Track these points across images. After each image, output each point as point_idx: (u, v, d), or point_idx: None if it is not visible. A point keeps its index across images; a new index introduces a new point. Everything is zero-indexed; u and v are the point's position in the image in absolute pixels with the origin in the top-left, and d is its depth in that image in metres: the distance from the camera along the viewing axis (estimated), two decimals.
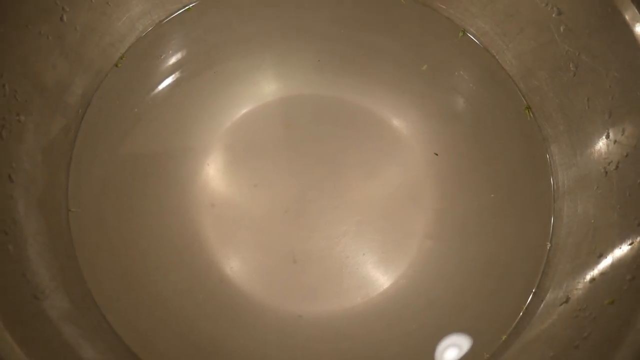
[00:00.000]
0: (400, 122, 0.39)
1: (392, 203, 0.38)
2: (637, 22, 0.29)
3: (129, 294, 0.33)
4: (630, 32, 0.30)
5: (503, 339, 0.32)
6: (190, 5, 0.39)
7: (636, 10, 0.29)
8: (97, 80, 0.36)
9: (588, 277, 0.29)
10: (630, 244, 0.27)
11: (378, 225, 0.38)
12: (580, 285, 0.29)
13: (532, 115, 0.37)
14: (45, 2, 0.30)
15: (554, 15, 0.34)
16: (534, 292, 0.33)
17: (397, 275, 0.37)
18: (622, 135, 0.30)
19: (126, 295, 0.32)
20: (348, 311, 0.36)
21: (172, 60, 0.39)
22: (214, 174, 0.38)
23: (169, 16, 0.38)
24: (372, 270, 0.37)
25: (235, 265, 0.37)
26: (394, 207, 0.38)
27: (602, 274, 0.28)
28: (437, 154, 0.38)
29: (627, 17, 0.30)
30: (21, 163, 0.29)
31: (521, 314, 0.32)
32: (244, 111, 0.39)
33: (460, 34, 0.39)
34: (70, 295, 0.29)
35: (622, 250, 0.28)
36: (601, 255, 0.29)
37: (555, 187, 0.35)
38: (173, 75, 0.39)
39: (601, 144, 0.32)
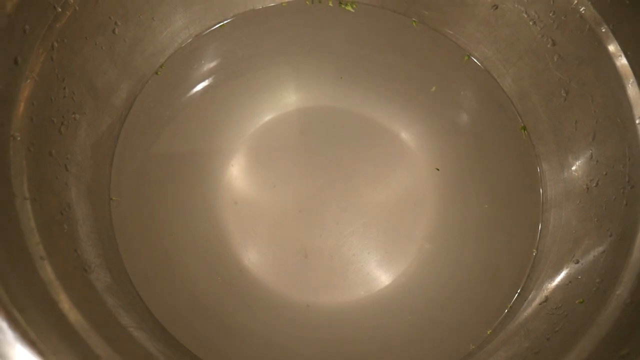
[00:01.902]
0: (408, 136, 0.43)
1: (396, 208, 0.42)
2: (619, 55, 0.33)
3: (159, 275, 0.37)
4: (613, 64, 0.33)
5: (488, 332, 0.36)
6: (224, 22, 0.43)
7: (618, 45, 0.33)
8: (140, 85, 0.40)
9: (566, 280, 0.33)
10: (602, 252, 0.31)
11: (382, 227, 0.42)
12: (558, 288, 0.33)
13: (527, 135, 0.41)
14: (102, 17, 0.35)
15: (549, 45, 0.38)
16: (519, 293, 0.36)
17: (397, 273, 0.41)
18: (603, 156, 0.34)
19: (156, 275, 0.37)
20: (352, 303, 0.40)
21: (205, 69, 0.44)
22: (237, 174, 0.43)
23: (205, 31, 0.43)
24: (375, 268, 0.41)
25: (253, 256, 0.41)
26: (397, 212, 0.42)
27: (577, 277, 0.32)
28: (438, 169, 0.42)
29: (610, 50, 0.33)
30: (75, 155, 0.34)
31: (506, 311, 0.36)
32: (266, 119, 0.44)
33: (466, 57, 0.43)
34: (111, 272, 0.33)
35: (595, 257, 0.31)
36: (578, 262, 0.33)
37: (544, 200, 0.39)
38: (205, 83, 0.43)
39: (585, 163, 0.36)
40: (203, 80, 0.43)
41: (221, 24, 0.43)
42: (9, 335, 0.21)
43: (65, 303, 0.26)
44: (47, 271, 0.27)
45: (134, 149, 0.40)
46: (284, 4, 0.44)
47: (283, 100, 0.44)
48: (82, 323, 0.26)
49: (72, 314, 0.25)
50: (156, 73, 0.41)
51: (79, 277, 0.29)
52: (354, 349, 0.39)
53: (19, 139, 0.29)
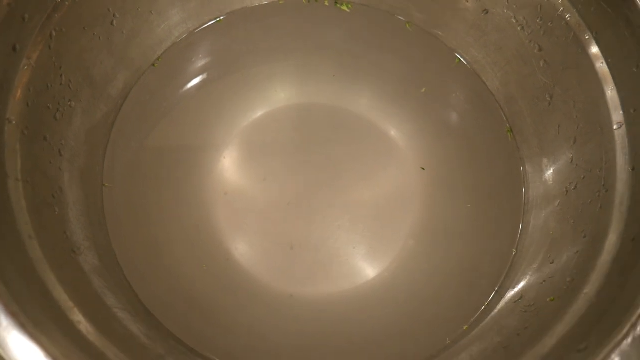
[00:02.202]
0: (397, 135, 0.44)
1: (383, 205, 0.43)
2: (601, 62, 0.34)
3: (147, 260, 0.38)
4: (595, 70, 0.34)
5: (464, 328, 0.37)
6: (221, 18, 0.44)
7: (600, 52, 0.34)
8: (136, 76, 0.42)
9: (540, 279, 0.33)
10: (575, 253, 0.32)
11: (368, 223, 0.43)
12: (533, 286, 0.34)
13: (512, 137, 0.42)
14: (101, 9, 0.36)
15: (535, 51, 0.39)
16: (496, 291, 0.37)
17: (381, 268, 0.42)
18: (582, 160, 0.35)
19: (144, 261, 0.38)
20: (335, 295, 0.41)
21: (201, 64, 0.45)
22: (228, 166, 0.44)
23: (202, 26, 0.44)
24: (360, 262, 0.42)
25: (240, 246, 0.42)
26: (384, 209, 0.43)
27: (551, 277, 0.32)
28: (423, 169, 0.43)
29: (592, 57, 0.34)
30: (69, 141, 0.35)
31: (483, 308, 0.37)
32: (260, 113, 0.45)
33: (457, 60, 0.44)
34: (100, 255, 0.34)
35: (568, 257, 0.32)
36: (553, 262, 0.33)
37: (525, 201, 0.40)
38: (200, 78, 0.44)
39: (566, 167, 0.36)
40: (198, 74, 0.44)
41: (218, 19, 0.44)
42: None
43: (51, 281, 0.27)
44: (36, 250, 0.28)
45: (129, 139, 0.41)
46: (280, 2, 0.45)
47: (276, 97, 0.45)
48: (66, 301, 0.27)
49: (57, 292, 0.27)
50: (153, 65, 0.43)
51: (67, 258, 0.30)
52: (335, 341, 0.40)
53: (14, 122, 0.30)
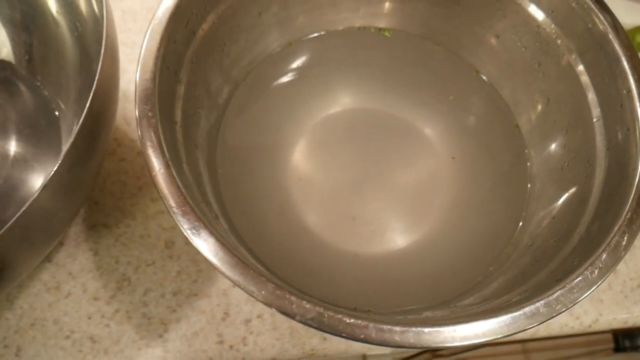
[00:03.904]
0: (431, 132, 0.57)
1: (421, 186, 0.55)
2: (584, 74, 0.47)
3: (254, 230, 0.51)
4: (579, 80, 0.48)
5: (491, 269, 0.50)
6: (303, 39, 0.58)
7: (583, 67, 0.47)
8: (234, 89, 0.54)
9: (545, 229, 0.47)
10: (569, 208, 0.45)
11: (410, 200, 0.55)
12: (540, 235, 0.47)
13: (519, 130, 0.55)
14: (219, 41, 0.49)
15: (536, 66, 0.52)
16: (512, 242, 0.50)
17: (422, 232, 0.54)
18: (572, 144, 0.48)
19: (252, 231, 0.51)
20: (388, 253, 0.53)
21: (280, 76, 0.58)
22: (301, 157, 0.56)
23: (285, 47, 0.57)
24: (406, 228, 0.55)
25: (313, 219, 0.54)
26: (422, 189, 0.55)
27: (553, 227, 0.46)
28: (454, 158, 0.56)
29: (578, 71, 0.48)
30: (199, 139, 0.48)
31: (503, 255, 0.50)
32: (323, 115, 0.58)
33: (475, 73, 0.58)
34: (227, 221, 0.47)
35: (565, 212, 0.45)
36: (554, 217, 0.47)
37: (530, 175, 0.53)
38: (279, 87, 0.57)
39: (560, 150, 0.50)
40: (278, 84, 0.57)
41: (298, 40, 0.57)
42: None
43: None
44: None
45: (229, 137, 0.54)
46: (337, 31, 0.58)
47: (336, 102, 0.58)
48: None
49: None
50: (244, 80, 0.55)
51: (214, 223, 0.43)
52: (389, 286, 0.52)
53: (178, 125, 0.43)
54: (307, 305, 0.34)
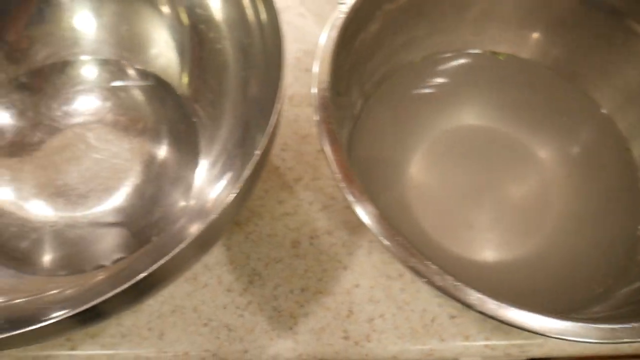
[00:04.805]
0: (543, 151, 0.61)
1: (534, 201, 0.59)
2: None
3: None
4: None
5: (610, 282, 0.53)
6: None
7: None
8: (365, 101, 0.59)
9: None
10: None
11: (526, 212, 0.58)
12: None
13: (629, 153, 0.59)
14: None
15: None
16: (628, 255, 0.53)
17: (536, 242, 0.57)
18: None
19: None
20: (506, 260, 0.57)
21: (408, 93, 0.62)
22: (420, 167, 0.60)
23: (415, 61, 0.62)
24: (522, 237, 0.57)
25: (431, 224, 0.58)
26: (535, 204, 0.59)
27: None
28: (568, 176, 0.59)
29: None
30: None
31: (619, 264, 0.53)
32: (443, 128, 0.62)
33: (593, 103, 0.61)
34: None
35: None
36: None
37: None
38: (406, 102, 0.61)
39: None
40: (403, 98, 0.61)
41: (423, 58, 0.62)
42: None
43: None
44: None
45: (359, 144, 0.58)
46: (461, 52, 0.63)
47: (457, 118, 0.62)
48: None
49: None
50: (374, 93, 0.60)
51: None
52: (506, 291, 0.56)
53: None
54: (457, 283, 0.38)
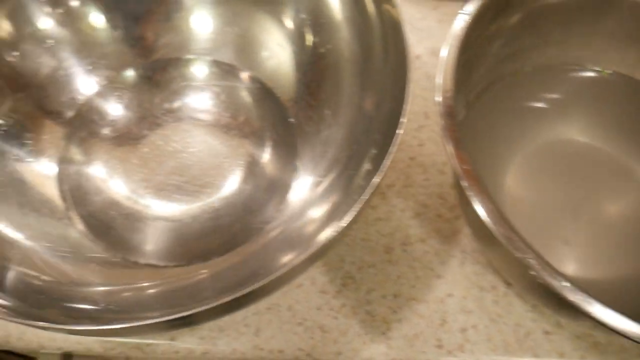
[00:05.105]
0: None
1: (635, 220, 0.58)
2: None
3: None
4: None
5: None
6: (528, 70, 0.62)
7: None
8: (466, 114, 0.59)
9: None
10: None
11: (621, 230, 0.58)
12: None
13: None
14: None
15: None
16: None
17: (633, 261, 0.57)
18: None
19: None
20: (604, 278, 0.55)
21: (508, 104, 0.62)
22: (517, 179, 0.60)
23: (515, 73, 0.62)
24: (616, 255, 0.56)
25: (526, 236, 0.57)
26: (636, 223, 0.58)
27: None
28: None
29: None
30: None
31: None
32: (539, 142, 0.61)
33: None
34: None
35: None
36: None
37: None
38: (505, 113, 0.61)
39: None
40: (502, 110, 0.61)
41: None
42: None
43: None
44: None
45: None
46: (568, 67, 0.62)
47: (552, 131, 0.62)
48: None
49: None
50: (474, 104, 0.60)
51: None
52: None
53: None
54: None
